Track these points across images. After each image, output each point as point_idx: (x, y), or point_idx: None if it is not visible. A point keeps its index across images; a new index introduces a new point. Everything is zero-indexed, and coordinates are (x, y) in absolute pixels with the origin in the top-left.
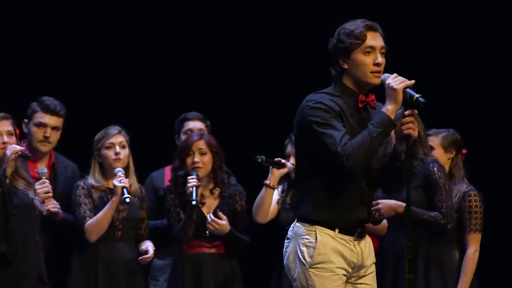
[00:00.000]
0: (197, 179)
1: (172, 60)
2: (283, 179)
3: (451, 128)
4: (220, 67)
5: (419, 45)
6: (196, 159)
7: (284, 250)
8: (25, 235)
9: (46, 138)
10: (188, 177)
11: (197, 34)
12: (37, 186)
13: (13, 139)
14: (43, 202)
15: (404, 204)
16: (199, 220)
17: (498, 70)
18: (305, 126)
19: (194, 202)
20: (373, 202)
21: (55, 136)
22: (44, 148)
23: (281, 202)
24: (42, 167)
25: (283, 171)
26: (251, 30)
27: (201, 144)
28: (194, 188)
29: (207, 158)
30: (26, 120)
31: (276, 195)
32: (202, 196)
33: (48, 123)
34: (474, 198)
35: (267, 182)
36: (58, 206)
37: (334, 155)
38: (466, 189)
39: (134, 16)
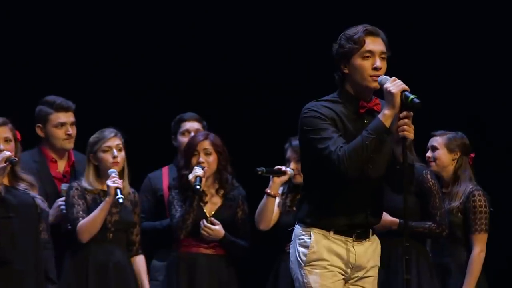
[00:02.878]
0: (203, 170)
1: (170, 60)
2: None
3: (460, 132)
4: (219, 68)
5: (424, 50)
6: (201, 159)
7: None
8: (25, 235)
9: (69, 136)
10: (195, 166)
11: (196, 34)
12: (60, 202)
13: (11, 145)
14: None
15: (397, 221)
16: (199, 218)
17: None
18: (302, 135)
19: (197, 187)
20: None
21: (75, 131)
22: (69, 145)
23: (282, 205)
24: (66, 184)
25: (284, 178)
26: (251, 31)
27: (206, 144)
28: (198, 177)
29: (212, 158)
30: (40, 124)
31: (276, 198)
32: (206, 194)
33: (67, 121)
34: (479, 198)
35: (269, 190)
36: None
37: (327, 160)
38: (471, 189)
39: (133, 16)
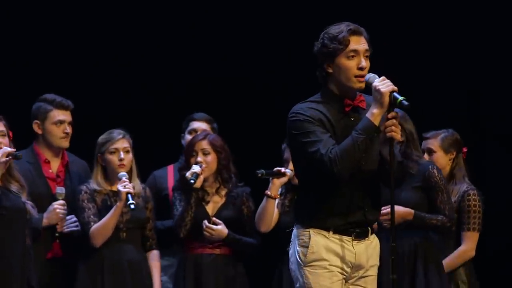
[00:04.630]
0: (201, 168)
1: (177, 59)
2: None
3: (450, 128)
4: (219, 68)
5: (417, 45)
6: (199, 159)
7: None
8: (13, 238)
9: (66, 134)
10: (193, 165)
11: (202, 33)
12: (56, 205)
13: (6, 140)
14: (57, 224)
15: (412, 211)
16: (202, 219)
17: (498, 67)
18: (291, 139)
19: (192, 181)
20: (382, 208)
21: (71, 130)
22: (66, 143)
23: (280, 206)
24: (61, 188)
25: (283, 180)
26: (252, 31)
27: (204, 144)
28: (195, 174)
29: (211, 158)
30: (38, 121)
31: (276, 200)
32: (208, 194)
33: (65, 119)
34: (474, 197)
35: (268, 192)
36: (76, 223)
37: (319, 163)
38: (466, 188)
39: (138, 15)
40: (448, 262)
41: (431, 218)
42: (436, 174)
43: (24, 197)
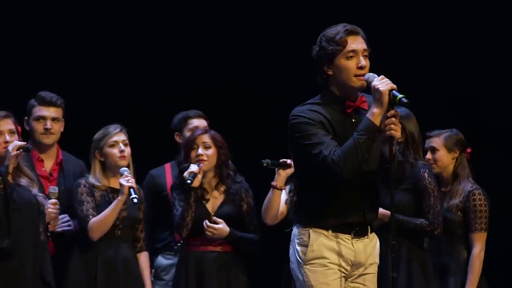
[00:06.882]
0: (198, 167)
1: (171, 57)
2: (290, 179)
3: (454, 128)
4: (219, 65)
5: (416, 43)
6: (200, 152)
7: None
8: (25, 233)
9: (47, 130)
10: (191, 164)
11: (199, 33)
12: (49, 204)
13: (15, 137)
14: (49, 223)
15: (389, 213)
16: (203, 217)
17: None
18: (292, 141)
19: (188, 181)
20: None
21: (56, 127)
22: (47, 139)
23: (289, 202)
24: (54, 187)
25: (289, 171)
26: (251, 28)
27: (206, 138)
28: (192, 173)
29: (211, 152)
30: (26, 117)
31: (284, 195)
32: (206, 192)
33: (46, 115)
34: (479, 197)
35: (274, 183)
36: (68, 223)
37: (322, 165)
38: (471, 188)
39: (136, 14)
40: (472, 269)
41: (409, 222)
42: (426, 177)
43: (35, 190)
